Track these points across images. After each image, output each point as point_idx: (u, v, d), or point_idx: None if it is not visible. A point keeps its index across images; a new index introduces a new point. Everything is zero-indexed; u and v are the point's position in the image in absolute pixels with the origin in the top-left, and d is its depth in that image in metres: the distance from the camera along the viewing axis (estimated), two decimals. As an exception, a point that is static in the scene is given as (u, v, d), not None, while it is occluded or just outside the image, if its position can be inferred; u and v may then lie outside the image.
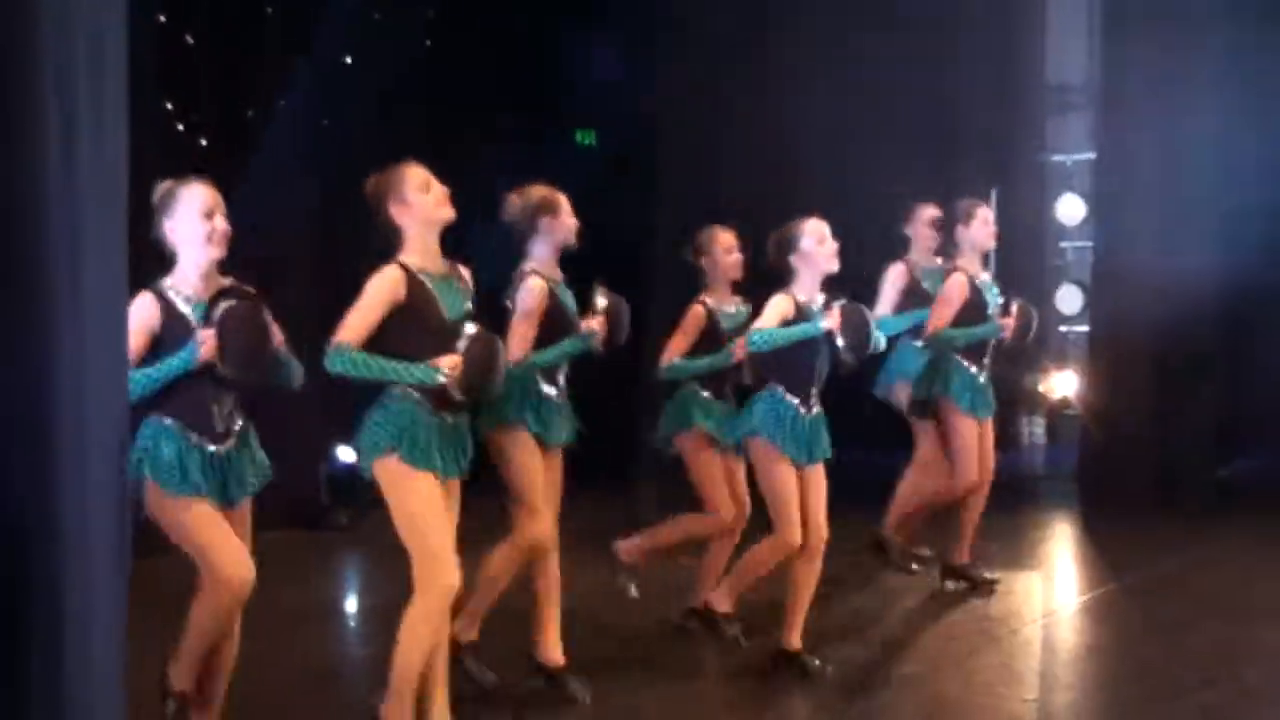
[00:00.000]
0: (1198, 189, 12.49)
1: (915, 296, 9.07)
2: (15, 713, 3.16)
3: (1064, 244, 15.06)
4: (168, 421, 5.39)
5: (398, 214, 5.59)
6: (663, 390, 7.79)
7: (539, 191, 6.81)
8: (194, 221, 5.48)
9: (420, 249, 5.61)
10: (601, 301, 6.81)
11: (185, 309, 5.44)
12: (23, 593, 3.17)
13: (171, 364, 5.34)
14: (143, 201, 5.84)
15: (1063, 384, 14.26)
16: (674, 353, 7.54)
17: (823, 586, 7.20)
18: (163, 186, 5.60)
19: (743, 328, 7.34)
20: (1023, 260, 14.29)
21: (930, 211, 9.20)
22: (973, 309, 8.57)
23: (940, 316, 8.54)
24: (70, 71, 3.25)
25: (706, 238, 7.73)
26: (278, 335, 5.56)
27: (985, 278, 8.79)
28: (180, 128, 10.31)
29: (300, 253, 10.30)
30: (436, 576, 5.52)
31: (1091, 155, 13.87)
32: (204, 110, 10.44)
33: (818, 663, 7.11)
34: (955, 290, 8.57)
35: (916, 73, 13.72)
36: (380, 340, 5.46)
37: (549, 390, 6.67)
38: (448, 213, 5.65)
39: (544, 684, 6.77)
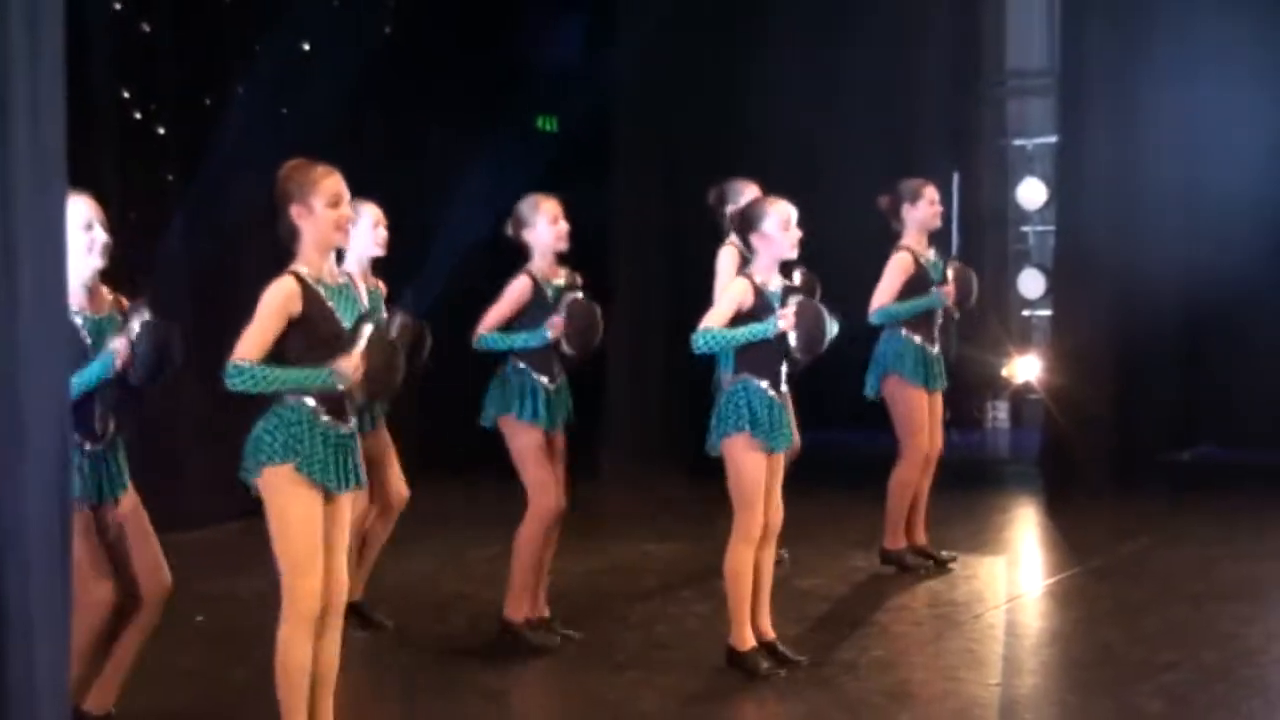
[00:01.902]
0: (1158, 173, 12.54)
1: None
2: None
3: (1026, 228, 15.10)
4: None
5: (298, 218, 5.42)
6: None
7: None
8: (75, 233, 5.52)
9: (314, 258, 5.45)
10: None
11: (77, 321, 5.67)
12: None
13: (94, 370, 5.59)
14: (102, 190, 5.84)
15: (1025, 368, 14.28)
16: (492, 324, 7.27)
17: (781, 571, 7.18)
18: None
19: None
20: (985, 244, 14.33)
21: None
22: (920, 285, 8.69)
23: (884, 293, 8.63)
24: (5, 60, 3.20)
25: (529, 208, 7.39)
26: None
27: (931, 256, 8.83)
28: (138, 116, 10.23)
29: (258, 240, 10.23)
30: (297, 591, 5.37)
31: (1053, 139, 13.89)
32: (162, 98, 10.36)
33: (790, 652, 7.10)
34: (899, 268, 8.67)
35: (878, 58, 13.75)
36: (277, 353, 5.34)
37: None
38: (340, 239, 5.53)
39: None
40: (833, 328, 6.90)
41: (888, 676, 7.01)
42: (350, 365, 5.33)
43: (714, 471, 7.05)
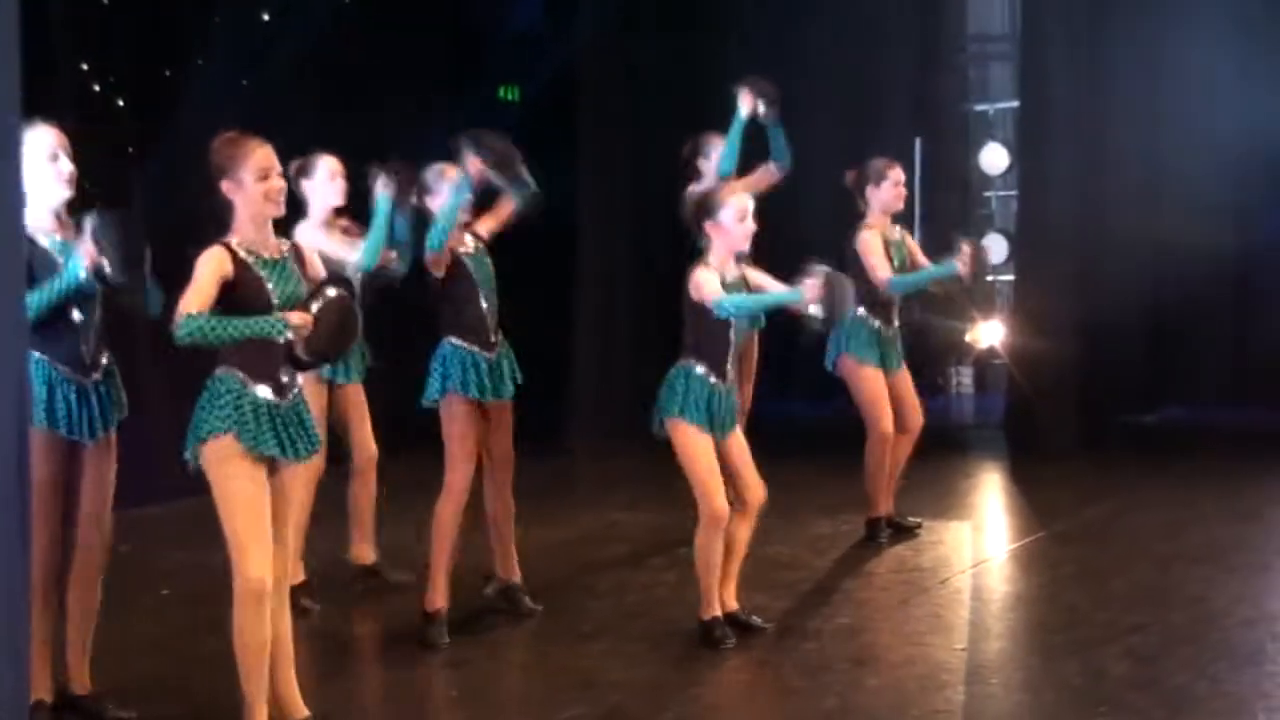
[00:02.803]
0: (1121, 137, 12.57)
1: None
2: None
3: (988, 193, 15.11)
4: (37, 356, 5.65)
5: (230, 191, 5.47)
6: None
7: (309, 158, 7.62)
8: (42, 164, 5.72)
9: (250, 230, 5.49)
10: None
11: (46, 244, 5.76)
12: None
13: (65, 278, 5.63)
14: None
15: (989, 333, 14.31)
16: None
17: (752, 539, 7.19)
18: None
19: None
20: (947, 210, 14.33)
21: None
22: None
23: (883, 266, 8.65)
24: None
25: (435, 175, 7.35)
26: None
27: (895, 235, 8.85)
28: (97, 88, 10.16)
29: (218, 212, 10.17)
30: (244, 568, 5.35)
31: (1014, 104, 13.89)
32: (121, 70, 10.30)
33: (757, 620, 7.13)
34: (873, 245, 8.68)
35: (841, 25, 13.73)
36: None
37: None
38: (275, 210, 5.53)
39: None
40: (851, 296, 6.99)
41: (854, 642, 7.04)
42: (301, 319, 5.35)
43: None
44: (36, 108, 9.45)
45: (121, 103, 10.29)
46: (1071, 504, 9.95)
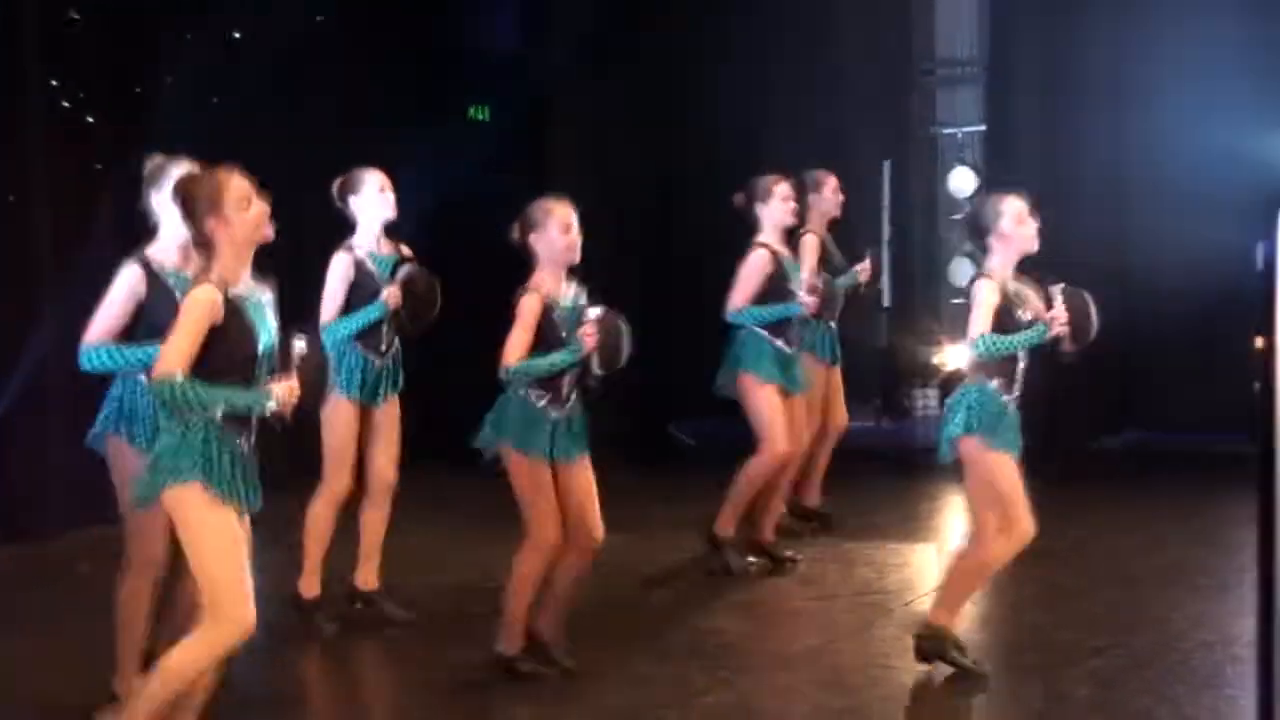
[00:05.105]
0: (1087, 160, 12.63)
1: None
2: None
3: (956, 217, 15.15)
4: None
5: (214, 230, 5.15)
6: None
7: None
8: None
9: (233, 266, 5.16)
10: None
11: (169, 281, 5.88)
12: None
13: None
14: (29, 179, 5.85)
15: (955, 356, 14.34)
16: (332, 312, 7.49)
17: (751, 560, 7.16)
18: (153, 162, 6.04)
19: (392, 271, 7.44)
20: (916, 233, 14.39)
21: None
22: (779, 283, 8.59)
23: (741, 293, 8.55)
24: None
25: (357, 179, 7.54)
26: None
27: (789, 255, 8.79)
28: (66, 104, 10.16)
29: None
30: (230, 612, 5.07)
31: (981, 128, 13.95)
32: (91, 87, 10.30)
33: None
34: (757, 266, 8.56)
35: (808, 47, 13.78)
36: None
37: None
38: (266, 233, 5.25)
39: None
40: (628, 348, 6.59)
41: (819, 664, 7.07)
42: (285, 389, 5.15)
43: (651, 460, 7.11)
44: (4, 124, 9.57)
45: (91, 119, 10.28)
46: (1037, 526, 9.96)
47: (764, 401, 8.55)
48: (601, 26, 13.04)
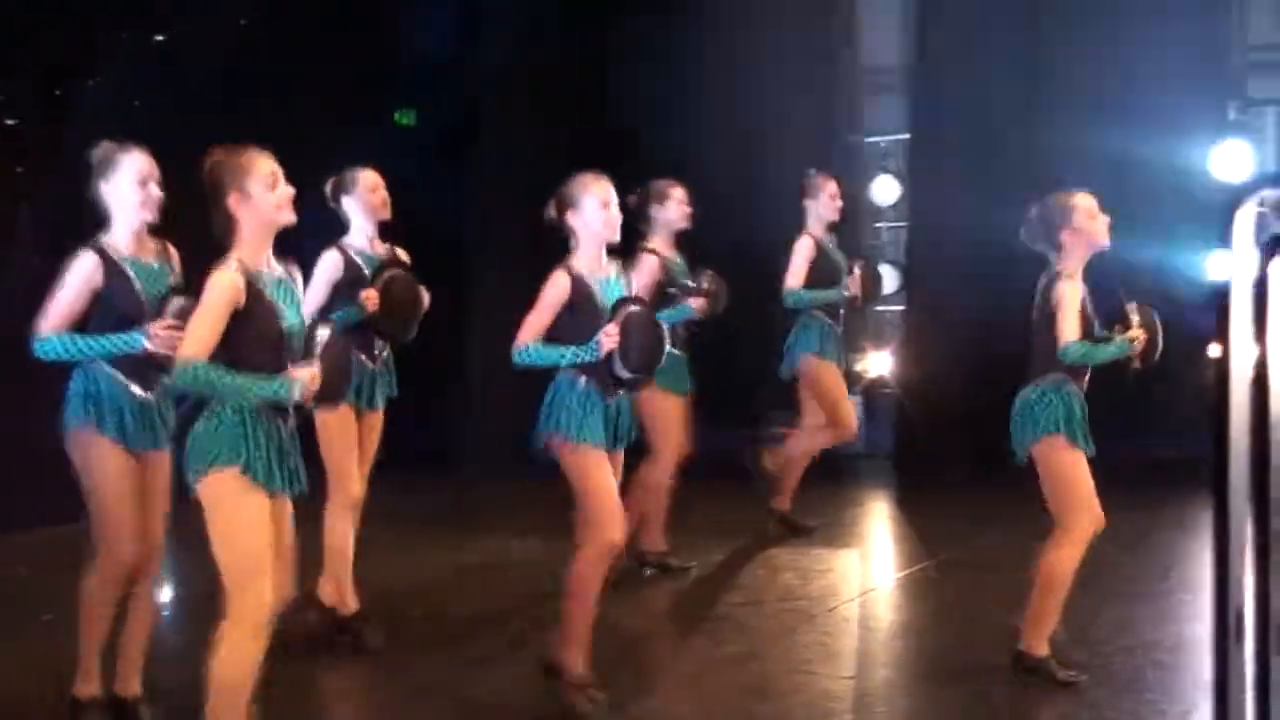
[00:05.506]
0: (1010, 168, 12.71)
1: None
2: None
3: (879, 225, 15.22)
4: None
5: (236, 206, 5.17)
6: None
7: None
8: (129, 188, 5.86)
9: (255, 247, 5.19)
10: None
11: (130, 269, 5.86)
12: None
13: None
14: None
15: (879, 363, 14.42)
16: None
17: (644, 569, 7.21)
18: (101, 150, 5.96)
19: (374, 274, 7.28)
20: (840, 241, 14.42)
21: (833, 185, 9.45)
22: (662, 289, 8.55)
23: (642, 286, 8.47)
24: None
25: (350, 179, 7.44)
26: None
27: (679, 261, 8.80)
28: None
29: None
30: (251, 603, 5.07)
31: (905, 136, 14.03)
32: (12, 90, 10.22)
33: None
34: (649, 270, 8.51)
35: (735, 57, 13.80)
36: (216, 349, 5.07)
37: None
38: (288, 217, 5.24)
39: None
40: (667, 345, 6.38)
41: (742, 671, 7.07)
42: (308, 375, 5.13)
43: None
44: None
45: (12, 122, 10.20)
46: (958, 533, 10.06)
47: (666, 409, 8.53)
48: (530, 31, 13.04)
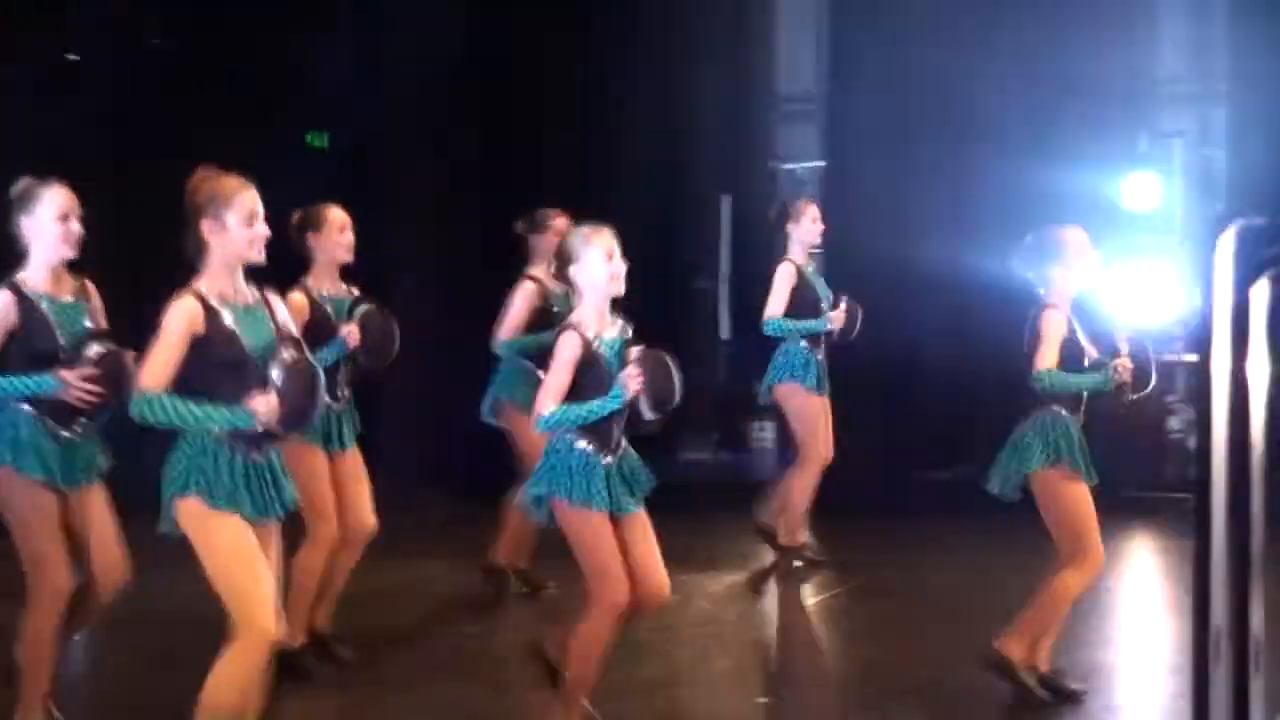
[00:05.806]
0: (925, 197, 12.77)
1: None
2: None
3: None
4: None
5: (209, 232, 5.15)
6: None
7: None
8: (49, 224, 5.80)
9: (221, 276, 5.17)
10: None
11: (45, 306, 5.81)
12: None
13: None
14: None
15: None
16: None
17: (556, 594, 7.14)
18: (22, 185, 5.86)
19: (349, 311, 7.20)
20: (756, 268, 14.46)
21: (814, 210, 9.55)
22: (545, 316, 8.45)
23: (510, 326, 8.57)
24: None
25: (318, 217, 7.30)
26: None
27: (558, 290, 8.68)
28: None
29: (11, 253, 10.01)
30: (251, 621, 5.03)
31: (822, 164, 14.06)
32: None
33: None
34: (525, 298, 8.57)
35: (652, 84, 13.82)
36: (179, 376, 5.05)
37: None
38: (258, 256, 5.21)
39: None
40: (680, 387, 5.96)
41: (656, 696, 7.06)
42: (266, 405, 5.04)
43: (486, 491, 7.04)
44: None
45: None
46: (870, 559, 10.07)
47: (532, 433, 8.45)
48: (441, 53, 13.00)
